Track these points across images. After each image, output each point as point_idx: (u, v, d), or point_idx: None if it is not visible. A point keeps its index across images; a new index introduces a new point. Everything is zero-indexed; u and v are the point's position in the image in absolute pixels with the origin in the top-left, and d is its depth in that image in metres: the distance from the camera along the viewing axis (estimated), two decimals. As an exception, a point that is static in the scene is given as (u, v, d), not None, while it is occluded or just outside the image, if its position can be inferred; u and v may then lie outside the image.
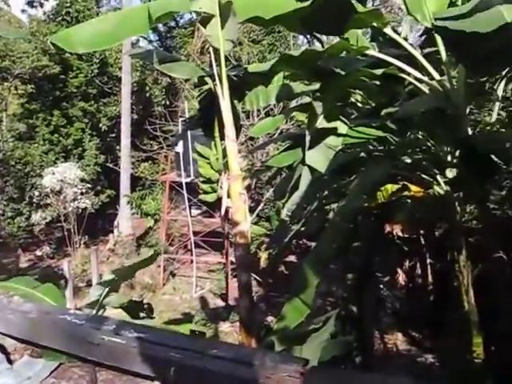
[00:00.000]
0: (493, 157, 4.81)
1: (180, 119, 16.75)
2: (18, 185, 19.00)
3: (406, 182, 6.66)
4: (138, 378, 2.73)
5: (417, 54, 4.72)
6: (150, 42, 29.07)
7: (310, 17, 4.11)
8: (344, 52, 5.02)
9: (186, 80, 19.04)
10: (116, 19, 4.42)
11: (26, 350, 3.10)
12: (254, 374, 2.36)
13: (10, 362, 2.96)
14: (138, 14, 4.21)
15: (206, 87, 5.59)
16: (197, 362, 2.47)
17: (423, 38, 6.18)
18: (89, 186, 18.95)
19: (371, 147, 7.06)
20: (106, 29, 4.29)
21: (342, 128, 5.01)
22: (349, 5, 4.00)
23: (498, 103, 6.12)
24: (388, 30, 4.74)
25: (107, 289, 4.59)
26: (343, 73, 4.74)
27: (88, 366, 2.86)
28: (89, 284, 15.53)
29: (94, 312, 4.50)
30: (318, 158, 4.87)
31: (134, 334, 2.73)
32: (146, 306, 6.09)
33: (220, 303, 15.22)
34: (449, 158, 5.81)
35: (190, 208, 17.30)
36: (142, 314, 5.56)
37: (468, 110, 6.54)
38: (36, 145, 19.82)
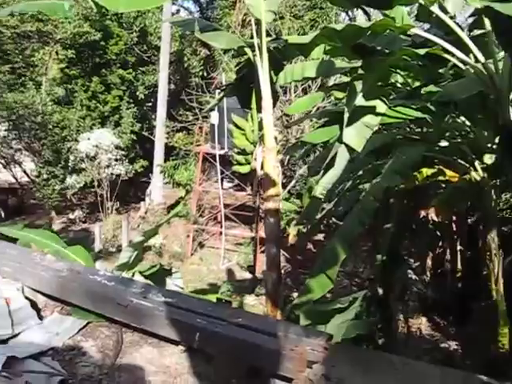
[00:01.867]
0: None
1: (217, 91, 16.71)
2: (55, 148, 19.19)
3: (441, 167, 6.56)
4: (163, 342, 2.78)
5: (463, 34, 4.61)
6: (191, 13, 29.05)
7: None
8: (387, 30, 4.92)
9: (225, 52, 18.95)
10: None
11: (56, 307, 3.17)
12: (277, 344, 2.38)
13: (41, 318, 3.04)
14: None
15: (243, 58, 5.55)
16: (221, 329, 2.51)
17: (472, 19, 6.01)
18: (123, 153, 19.08)
19: (408, 129, 6.97)
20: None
21: (381, 107, 4.94)
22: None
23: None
24: (435, 9, 4.63)
25: (136, 252, 4.66)
26: (386, 51, 4.67)
27: (115, 327, 2.92)
28: (119, 249, 15.79)
29: (123, 274, 4.58)
30: (356, 136, 4.82)
31: (162, 299, 2.78)
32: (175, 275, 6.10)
33: (247, 276, 15.31)
34: (488, 144, 5.70)
35: (222, 180, 17.32)
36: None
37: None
38: (74, 110, 20.03)
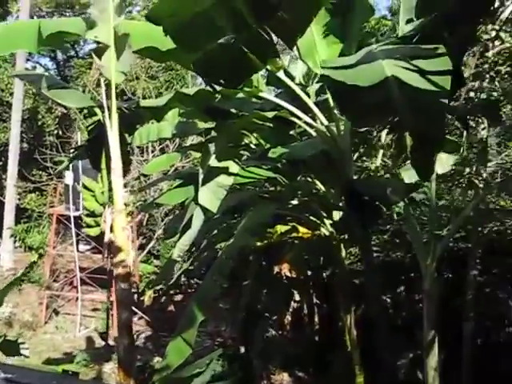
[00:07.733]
0: (377, 202, 5.00)
1: (72, 150, 16.25)
2: None
3: (295, 224, 6.82)
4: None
5: (307, 99, 4.85)
6: (47, 70, 28.22)
7: (204, 64, 4.15)
8: (239, 94, 5.09)
9: (81, 110, 18.56)
10: (5, 30, 4.35)
11: None
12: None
13: None
14: (28, 28, 4.20)
15: (95, 118, 5.47)
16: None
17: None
18: (-32, 216, 17.78)
19: (264, 188, 7.20)
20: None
21: (234, 167, 5.07)
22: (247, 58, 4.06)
23: (381, 150, 6.44)
24: (280, 74, 4.89)
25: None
26: (238, 114, 4.82)
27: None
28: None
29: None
30: (210, 197, 4.88)
31: (2, 375, 2.61)
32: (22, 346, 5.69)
33: (104, 343, 14.63)
34: (335, 202, 6.03)
35: (77, 243, 16.65)
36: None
37: (356, 156, 6.85)
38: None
